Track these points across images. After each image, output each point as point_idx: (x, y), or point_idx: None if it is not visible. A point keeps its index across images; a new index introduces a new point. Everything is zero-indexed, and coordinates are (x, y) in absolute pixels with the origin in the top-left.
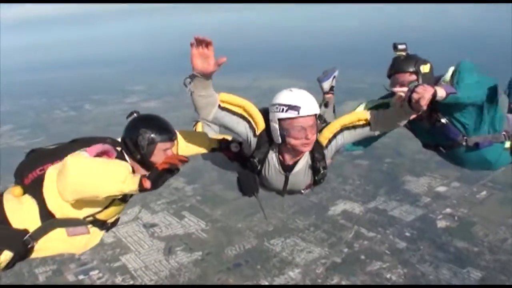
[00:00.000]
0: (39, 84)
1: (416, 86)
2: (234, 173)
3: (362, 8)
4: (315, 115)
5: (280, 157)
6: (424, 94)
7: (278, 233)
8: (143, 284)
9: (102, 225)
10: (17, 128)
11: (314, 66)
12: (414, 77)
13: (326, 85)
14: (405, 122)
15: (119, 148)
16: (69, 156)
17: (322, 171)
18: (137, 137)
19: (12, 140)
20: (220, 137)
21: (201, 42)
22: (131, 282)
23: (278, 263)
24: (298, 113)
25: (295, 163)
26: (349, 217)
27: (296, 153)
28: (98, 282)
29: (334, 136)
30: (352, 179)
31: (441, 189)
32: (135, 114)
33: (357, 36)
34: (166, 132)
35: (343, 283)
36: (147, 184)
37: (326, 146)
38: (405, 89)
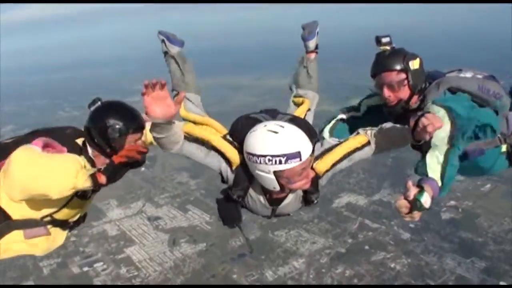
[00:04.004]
0: (42, 85)
1: (424, 114)
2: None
3: (367, 7)
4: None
5: (267, 194)
6: (434, 121)
7: (282, 225)
8: (147, 275)
9: (63, 224)
10: (19, 129)
11: (320, 64)
12: (403, 75)
13: (312, 43)
14: (403, 146)
15: (80, 140)
16: (15, 151)
17: (315, 201)
18: (106, 129)
19: None
20: (200, 126)
21: (153, 86)
22: (136, 273)
23: (282, 253)
24: (301, 160)
25: (284, 197)
26: (354, 209)
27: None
28: (102, 274)
29: (333, 165)
30: (356, 172)
31: None
32: (99, 102)
33: (362, 34)
34: (136, 122)
35: (348, 272)
36: (102, 179)
37: (322, 176)
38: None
